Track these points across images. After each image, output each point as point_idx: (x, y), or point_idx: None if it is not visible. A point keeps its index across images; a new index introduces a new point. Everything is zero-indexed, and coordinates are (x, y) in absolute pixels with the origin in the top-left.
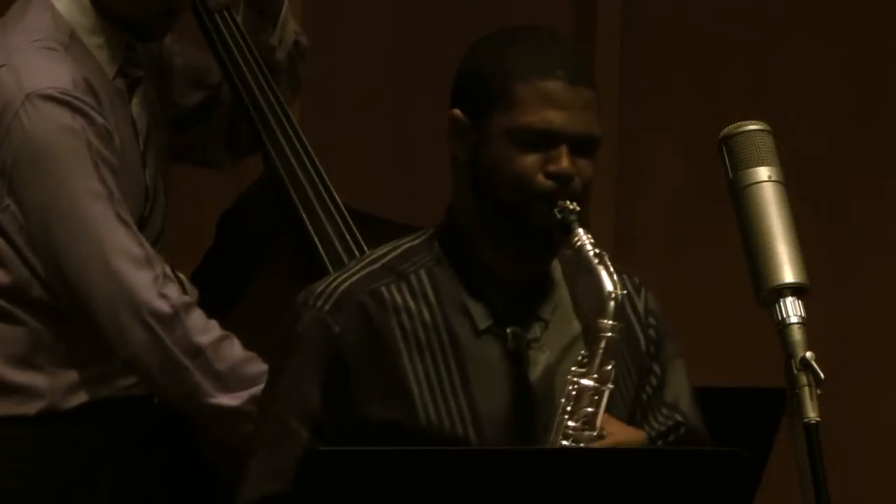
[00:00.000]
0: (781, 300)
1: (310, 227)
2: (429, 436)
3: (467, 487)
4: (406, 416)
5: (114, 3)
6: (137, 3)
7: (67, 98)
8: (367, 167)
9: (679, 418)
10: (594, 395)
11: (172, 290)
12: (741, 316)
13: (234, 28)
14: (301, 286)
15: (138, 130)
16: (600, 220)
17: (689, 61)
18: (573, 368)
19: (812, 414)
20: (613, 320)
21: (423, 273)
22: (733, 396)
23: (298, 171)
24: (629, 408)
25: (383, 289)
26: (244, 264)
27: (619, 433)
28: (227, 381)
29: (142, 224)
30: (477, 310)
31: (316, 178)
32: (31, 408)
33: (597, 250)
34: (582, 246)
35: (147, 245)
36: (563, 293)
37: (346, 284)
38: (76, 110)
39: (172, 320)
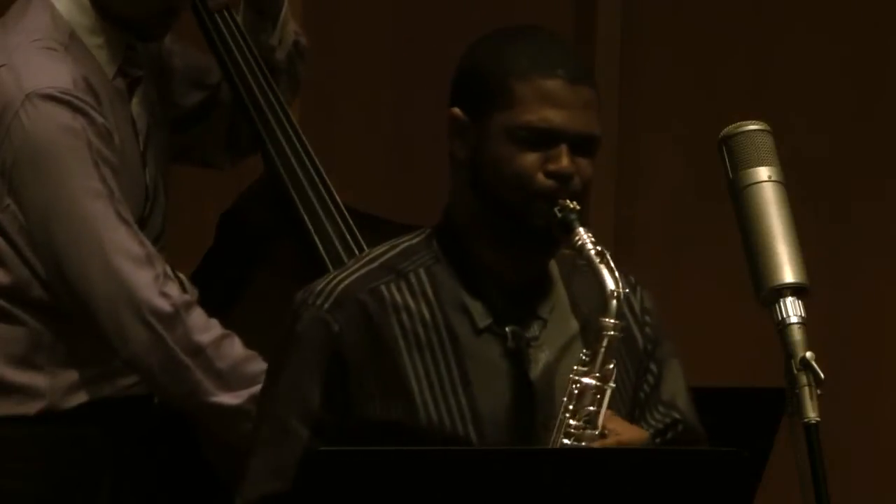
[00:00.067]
0: (781, 300)
1: (310, 227)
2: (429, 434)
3: (468, 487)
4: (406, 415)
5: (114, 3)
6: (137, 2)
7: (67, 98)
8: (367, 167)
9: (676, 416)
10: (596, 393)
11: (173, 289)
12: (741, 316)
13: (234, 28)
14: (301, 286)
15: (138, 130)
16: (600, 220)
17: (689, 61)
18: (575, 367)
19: (812, 414)
20: (616, 319)
21: (422, 272)
22: (733, 396)
23: (298, 170)
24: (629, 406)
25: (383, 287)
26: (244, 264)
27: (623, 432)
28: (228, 379)
29: (142, 224)
30: (476, 308)
31: (316, 178)
32: (31, 408)
33: (598, 248)
34: (583, 245)
35: (148, 244)
36: (560, 292)
37: (346, 283)
38: (76, 110)
39: (173, 319)
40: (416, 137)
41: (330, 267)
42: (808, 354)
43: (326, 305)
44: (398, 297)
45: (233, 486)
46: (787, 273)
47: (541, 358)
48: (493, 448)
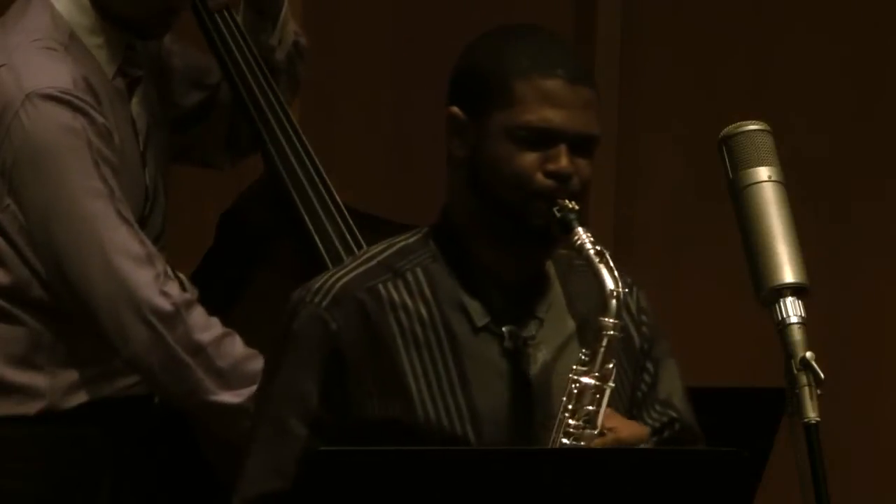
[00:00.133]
0: (781, 300)
1: (310, 227)
2: (427, 433)
3: (468, 487)
4: (404, 414)
5: (114, 3)
6: (137, 2)
7: (67, 97)
8: (367, 167)
9: (673, 414)
10: (595, 393)
11: (174, 288)
12: (741, 316)
13: (234, 28)
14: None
15: (138, 130)
16: (600, 219)
17: (689, 61)
18: (574, 367)
19: (812, 414)
20: (615, 318)
21: (419, 271)
22: (733, 396)
23: (299, 170)
24: (627, 406)
25: (380, 286)
26: (244, 264)
27: (623, 429)
28: (229, 378)
29: (142, 224)
30: (474, 307)
31: (316, 177)
32: (31, 408)
33: (597, 248)
34: (583, 244)
35: (148, 243)
36: (556, 292)
37: (343, 281)
38: (76, 109)
39: (174, 318)
40: (416, 137)
41: (330, 267)
42: (808, 354)
43: (324, 303)
44: (396, 296)
45: (232, 486)
46: (787, 273)
47: (538, 357)
48: (494, 448)
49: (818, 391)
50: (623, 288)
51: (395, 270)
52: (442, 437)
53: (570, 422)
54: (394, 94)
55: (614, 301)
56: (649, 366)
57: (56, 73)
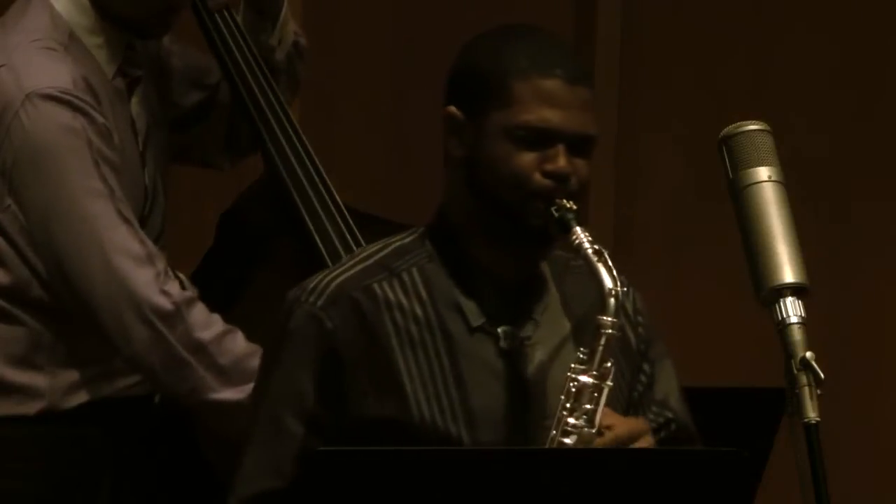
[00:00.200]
0: (781, 300)
1: (310, 227)
2: (421, 433)
3: (468, 488)
4: (399, 413)
5: (113, 3)
6: (137, 1)
7: (67, 97)
8: (367, 167)
9: (669, 415)
10: (594, 391)
11: (174, 287)
12: (741, 316)
13: (234, 28)
14: None
15: (137, 130)
16: (600, 220)
17: (689, 61)
18: (572, 365)
19: (812, 414)
20: (614, 317)
21: (414, 271)
22: (733, 396)
23: (299, 170)
24: (624, 406)
25: (376, 285)
26: (244, 264)
27: (620, 426)
28: (231, 375)
29: (141, 224)
30: (470, 307)
31: (316, 177)
32: (31, 408)
33: (595, 247)
34: (581, 244)
35: (149, 242)
36: (552, 292)
37: (339, 281)
38: (76, 109)
39: (174, 317)
40: (416, 137)
41: (330, 267)
42: (808, 354)
43: (320, 302)
44: (391, 295)
45: (230, 485)
46: (787, 273)
47: (533, 358)
48: (494, 448)
49: (818, 391)
50: (622, 287)
51: (390, 270)
52: (436, 437)
53: (569, 420)
54: (394, 94)
55: (612, 300)
56: (646, 367)
57: (56, 73)
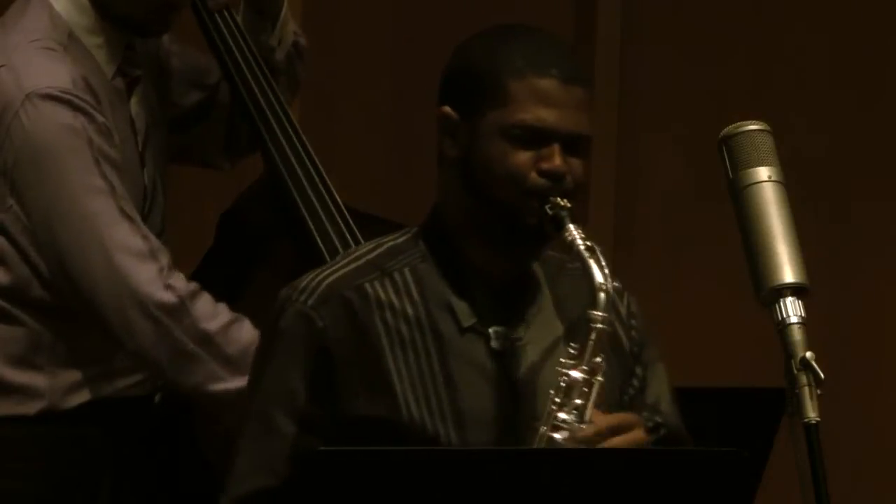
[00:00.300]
0: (781, 300)
1: (311, 227)
2: (410, 432)
3: (463, 488)
4: (389, 413)
5: (113, 1)
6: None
7: (67, 97)
8: (367, 167)
9: (659, 420)
10: (584, 386)
11: (178, 280)
12: (741, 316)
13: (234, 28)
14: None
15: (137, 130)
16: (600, 220)
17: (689, 61)
18: (562, 360)
19: (812, 414)
20: (604, 312)
21: (406, 271)
22: (733, 396)
23: (299, 170)
24: (615, 408)
25: (367, 285)
26: (244, 264)
27: (608, 417)
28: (239, 364)
29: None
30: (461, 307)
31: (316, 177)
32: (31, 408)
33: (588, 244)
34: (573, 240)
35: (151, 237)
36: (545, 294)
37: (330, 280)
38: (76, 108)
39: (179, 310)
40: (416, 137)
41: None
42: (808, 354)
43: (311, 301)
44: (382, 295)
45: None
46: (787, 273)
47: (525, 358)
48: (494, 449)
49: (818, 391)
50: (612, 283)
51: (382, 270)
52: (425, 438)
53: (559, 415)
54: (394, 95)
55: (603, 294)
56: (638, 370)
57: (55, 73)
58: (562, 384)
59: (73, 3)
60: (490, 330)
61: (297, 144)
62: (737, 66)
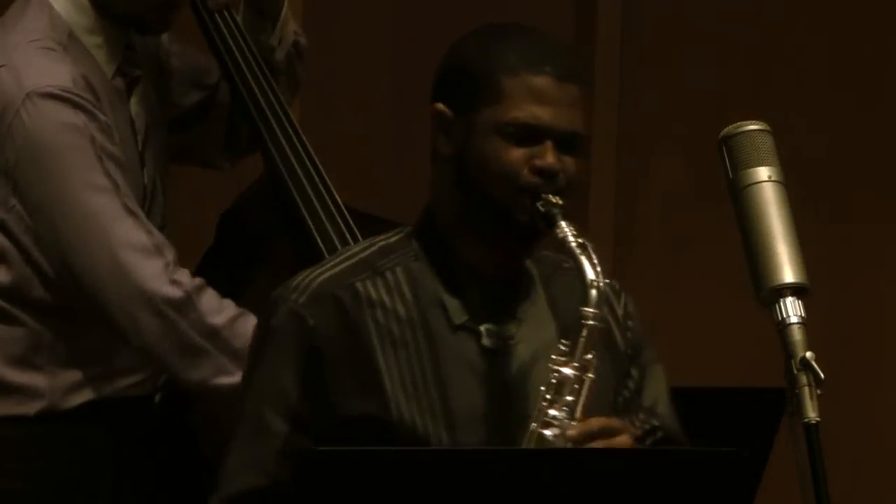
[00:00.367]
0: (781, 300)
1: (311, 227)
2: (400, 431)
3: (459, 488)
4: (380, 411)
5: (113, 1)
6: None
7: (68, 95)
8: (367, 167)
9: (655, 422)
10: (575, 383)
11: (184, 276)
12: (741, 316)
13: (234, 28)
14: None
15: (136, 130)
16: (600, 220)
17: (689, 61)
18: (554, 357)
19: (812, 414)
20: (596, 308)
21: (399, 270)
22: (733, 396)
23: (299, 170)
24: (609, 410)
25: (358, 284)
26: (244, 264)
27: (594, 420)
28: (246, 357)
29: None
30: (453, 305)
31: (316, 177)
32: (31, 408)
33: (580, 241)
34: (565, 237)
35: (156, 233)
36: (539, 294)
37: (322, 279)
38: (77, 107)
39: (186, 305)
40: (416, 137)
41: None
42: (808, 354)
43: (302, 300)
44: (374, 294)
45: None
46: (787, 273)
47: (516, 357)
48: (494, 449)
49: (818, 391)
50: (604, 280)
51: (374, 269)
52: (415, 436)
53: (550, 412)
54: (394, 94)
55: (594, 291)
56: (634, 372)
57: (56, 73)
58: (553, 381)
59: (72, 3)
60: (482, 327)
61: (297, 144)
62: (737, 66)
